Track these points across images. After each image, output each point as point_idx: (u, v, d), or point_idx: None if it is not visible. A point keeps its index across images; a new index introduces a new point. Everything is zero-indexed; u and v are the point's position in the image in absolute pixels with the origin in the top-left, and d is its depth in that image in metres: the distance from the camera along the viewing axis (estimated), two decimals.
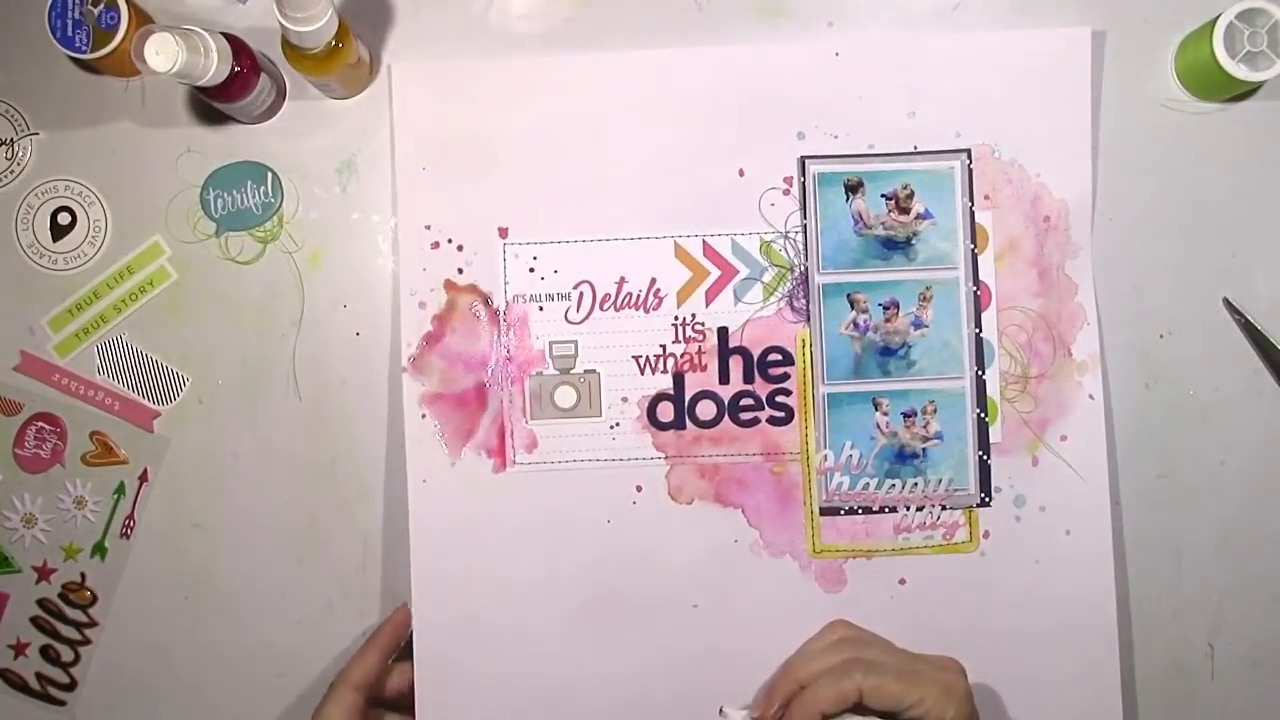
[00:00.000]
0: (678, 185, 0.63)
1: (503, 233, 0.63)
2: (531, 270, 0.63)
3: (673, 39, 0.64)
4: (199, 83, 0.57)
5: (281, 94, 0.65)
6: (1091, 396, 0.62)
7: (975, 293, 0.62)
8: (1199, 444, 0.63)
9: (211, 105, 0.62)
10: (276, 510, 0.64)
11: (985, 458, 0.62)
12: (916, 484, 0.62)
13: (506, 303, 0.63)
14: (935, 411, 0.62)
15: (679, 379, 0.63)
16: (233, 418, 0.64)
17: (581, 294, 0.63)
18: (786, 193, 0.63)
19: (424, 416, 0.63)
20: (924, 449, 0.62)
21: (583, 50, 0.64)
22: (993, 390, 0.62)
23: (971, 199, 0.62)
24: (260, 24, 0.64)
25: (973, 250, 0.62)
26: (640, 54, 0.63)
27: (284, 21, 0.55)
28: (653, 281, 0.63)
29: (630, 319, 0.63)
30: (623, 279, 0.63)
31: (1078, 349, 0.62)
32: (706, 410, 0.63)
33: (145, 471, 0.64)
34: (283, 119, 0.65)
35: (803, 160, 0.63)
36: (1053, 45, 0.62)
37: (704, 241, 0.63)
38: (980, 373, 0.62)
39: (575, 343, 0.63)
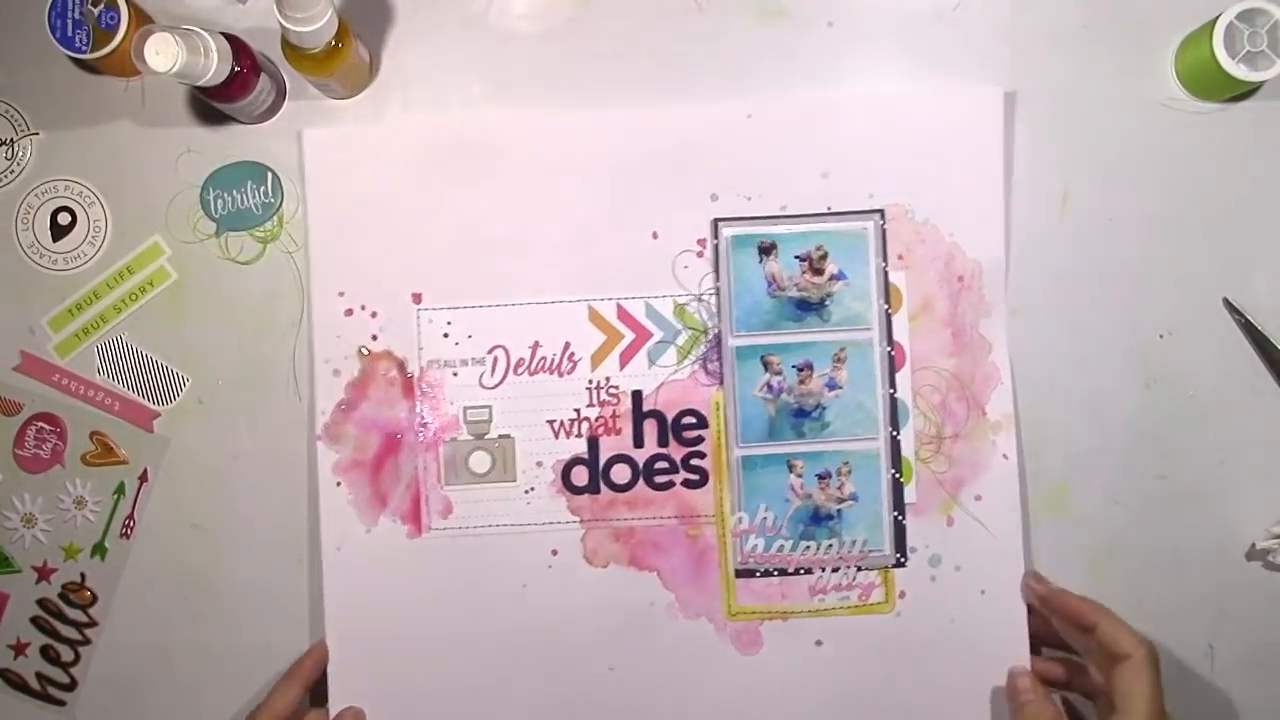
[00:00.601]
0: (591, 249, 0.63)
1: (416, 298, 0.63)
2: (446, 335, 0.63)
3: (673, 39, 0.64)
4: (199, 83, 0.57)
5: (281, 94, 0.65)
6: (1005, 456, 0.62)
7: (889, 353, 0.62)
8: (1199, 444, 0.63)
9: (211, 105, 0.62)
10: (276, 510, 0.64)
11: (900, 518, 0.62)
12: (831, 545, 0.62)
13: (421, 368, 0.63)
14: (850, 472, 0.62)
15: (593, 443, 0.63)
16: (233, 418, 0.64)
17: (496, 358, 0.63)
18: (700, 255, 0.63)
19: (338, 484, 0.63)
20: (839, 510, 0.62)
21: (581, 52, 0.64)
22: (907, 451, 0.62)
23: (885, 259, 0.63)
24: (260, 24, 0.64)
25: (887, 311, 0.62)
26: (552, 116, 0.64)
27: (284, 21, 0.55)
28: (567, 345, 0.63)
29: (545, 383, 0.63)
30: (537, 343, 0.63)
31: (992, 409, 0.62)
32: (621, 474, 0.63)
33: (145, 471, 0.64)
34: (283, 119, 0.65)
35: (716, 222, 0.63)
36: (964, 105, 0.63)
37: (618, 305, 0.63)
38: (895, 433, 0.62)
39: (490, 408, 0.63)
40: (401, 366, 0.63)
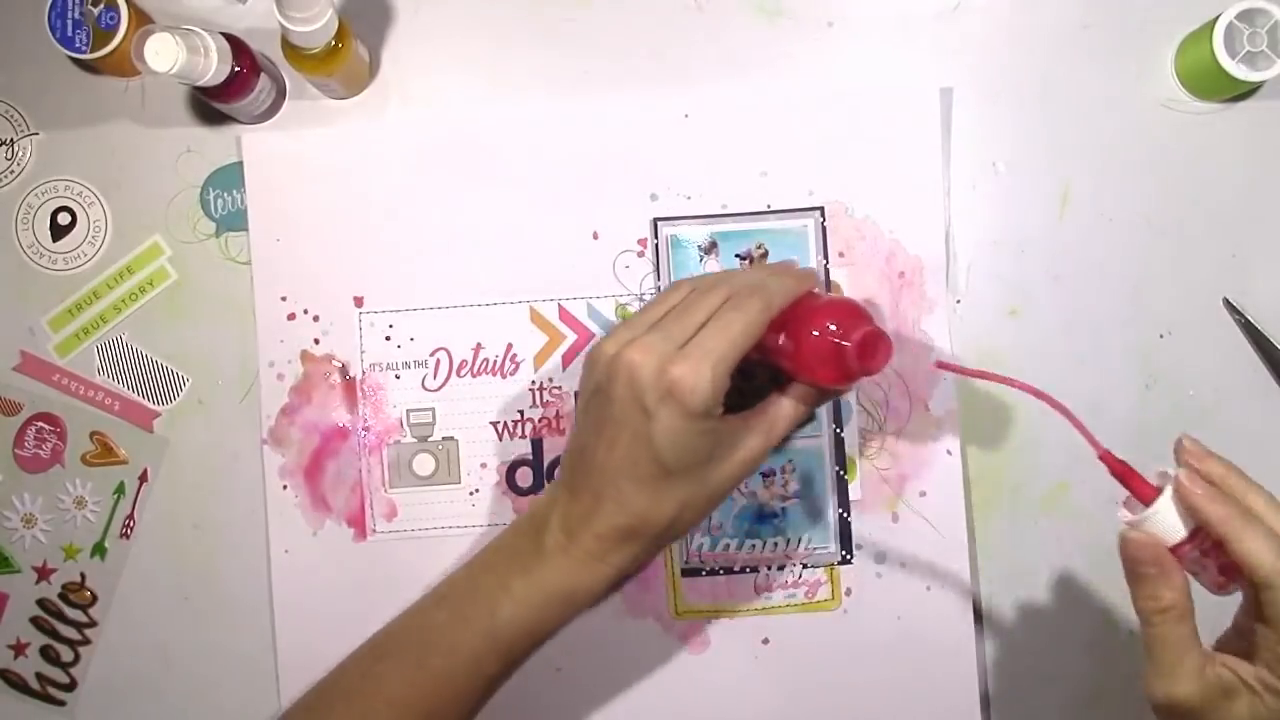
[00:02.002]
0: (532, 250, 0.63)
1: (358, 301, 0.63)
2: (388, 339, 0.63)
3: (673, 39, 0.64)
4: (199, 83, 0.57)
5: (281, 94, 0.65)
6: (949, 452, 0.62)
7: None
8: None
9: (211, 105, 0.62)
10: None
11: (845, 515, 0.62)
12: (777, 543, 0.62)
13: (363, 372, 0.63)
14: (794, 470, 0.62)
15: (538, 444, 0.63)
16: (233, 418, 0.64)
17: (438, 361, 0.63)
18: (640, 255, 0.63)
19: (285, 488, 0.63)
20: (783, 508, 0.62)
21: (581, 53, 0.64)
22: (851, 448, 0.62)
23: (826, 257, 0.63)
24: (260, 24, 0.64)
25: None
26: (491, 117, 0.64)
27: (284, 21, 0.55)
28: (509, 347, 0.63)
29: (487, 385, 0.63)
30: (479, 345, 0.63)
31: (934, 405, 0.62)
32: None
33: (145, 471, 0.64)
34: (283, 119, 0.65)
35: (655, 222, 0.63)
36: (901, 102, 0.63)
37: (559, 305, 0.63)
38: (839, 430, 0.62)
39: (433, 410, 0.63)
40: (344, 370, 0.63)
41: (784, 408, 0.51)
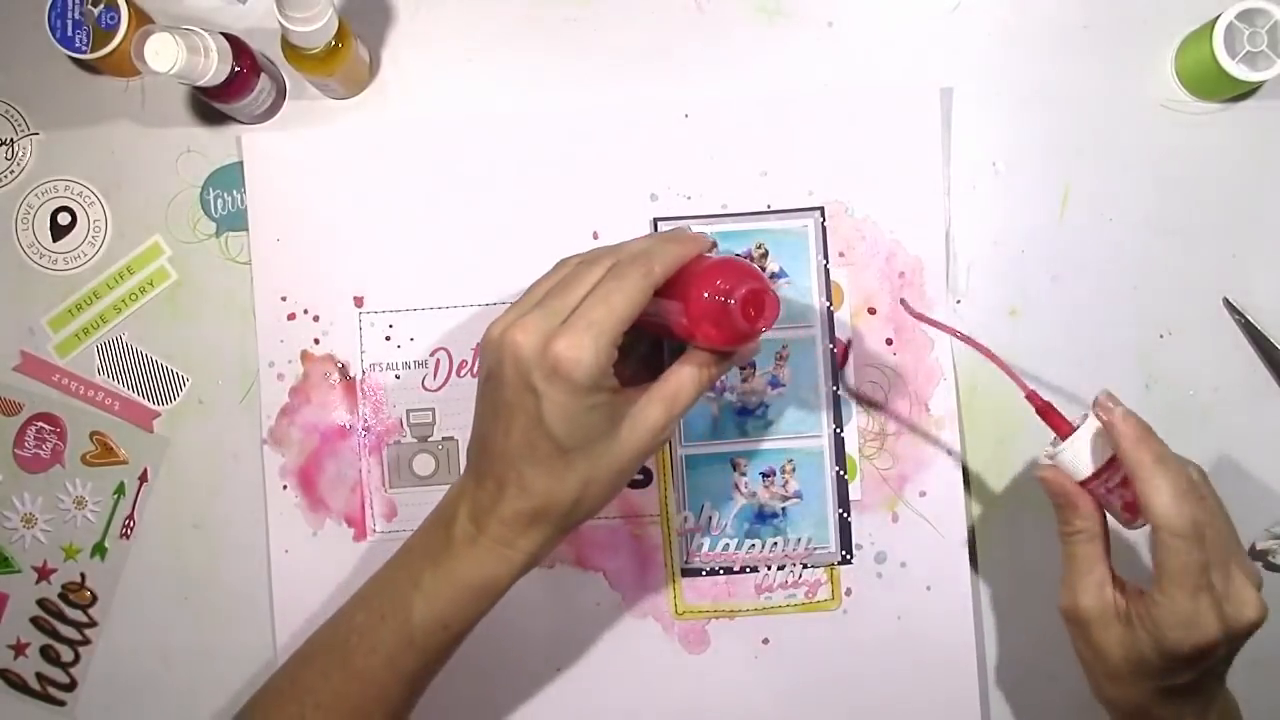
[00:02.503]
0: (532, 249, 0.63)
1: (358, 301, 0.63)
2: (387, 339, 0.63)
3: (673, 39, 0.64)
4: (199, 83, 0.57)
5: (281, 94, 0.65)
6: (950, 452, 0.62)
7: (832, 350, 0.62)
8: (1199, 444, 0.63)
9: (211, 105, 0.62)
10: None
11: (845, 515, 0.62)
12: (777, 543, 0.62)
13: (363, 372, 0.63)
14: (794, 470, 0.62)
15: None
16: (233, 418, 0.64)
17: (438, 361, 0.63)
18: None
19: (285, 488, 0.63)
20: (783, 508, 0.62)
21: (581, 53, 0.64)
22: (851, 448, 0.63)
23: (826, 257, 0.63)
24: (260, 24, 0.64)
25: (828, 308, 0.63)
26: (491, 117, 0.64)
27: (284, 21, 0.55)
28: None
29: None
30: (479, 345, 0.63)
31: (934, 405, 0.62)
32: None
33: (145, 471, 0.64)
34: (283, 119, 0.65)
35: (655, 222, 0.63)
36: (901, 102, 0.63)
37: None
38: (839, 430, 0.62)
39: (433, 410, 0.63)
40: (344, 370, 0.63)
41: (684, 375, 0.49)
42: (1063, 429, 0.51)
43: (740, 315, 0.46)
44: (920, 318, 0.56)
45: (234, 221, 0.64)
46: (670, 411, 0.48)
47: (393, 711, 0.51)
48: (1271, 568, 0.62)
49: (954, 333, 0.55)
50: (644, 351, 0.54)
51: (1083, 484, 0.51)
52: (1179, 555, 0.46)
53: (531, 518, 0.48)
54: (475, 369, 0.63)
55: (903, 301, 0.57)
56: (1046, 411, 0.52)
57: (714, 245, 0.51)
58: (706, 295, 0.47)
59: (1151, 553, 0.48)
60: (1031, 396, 0.52)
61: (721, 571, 0.63)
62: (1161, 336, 0.63)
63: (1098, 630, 0.50)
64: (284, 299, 0.64)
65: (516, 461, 0.47)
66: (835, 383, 0.63)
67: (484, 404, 0.48)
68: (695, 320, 0.47)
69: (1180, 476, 0.48)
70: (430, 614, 0.49)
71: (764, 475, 0.62)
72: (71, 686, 0.64)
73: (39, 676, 0.64)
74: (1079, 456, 0.50)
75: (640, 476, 0.63)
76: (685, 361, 0.49)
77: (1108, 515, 0.51)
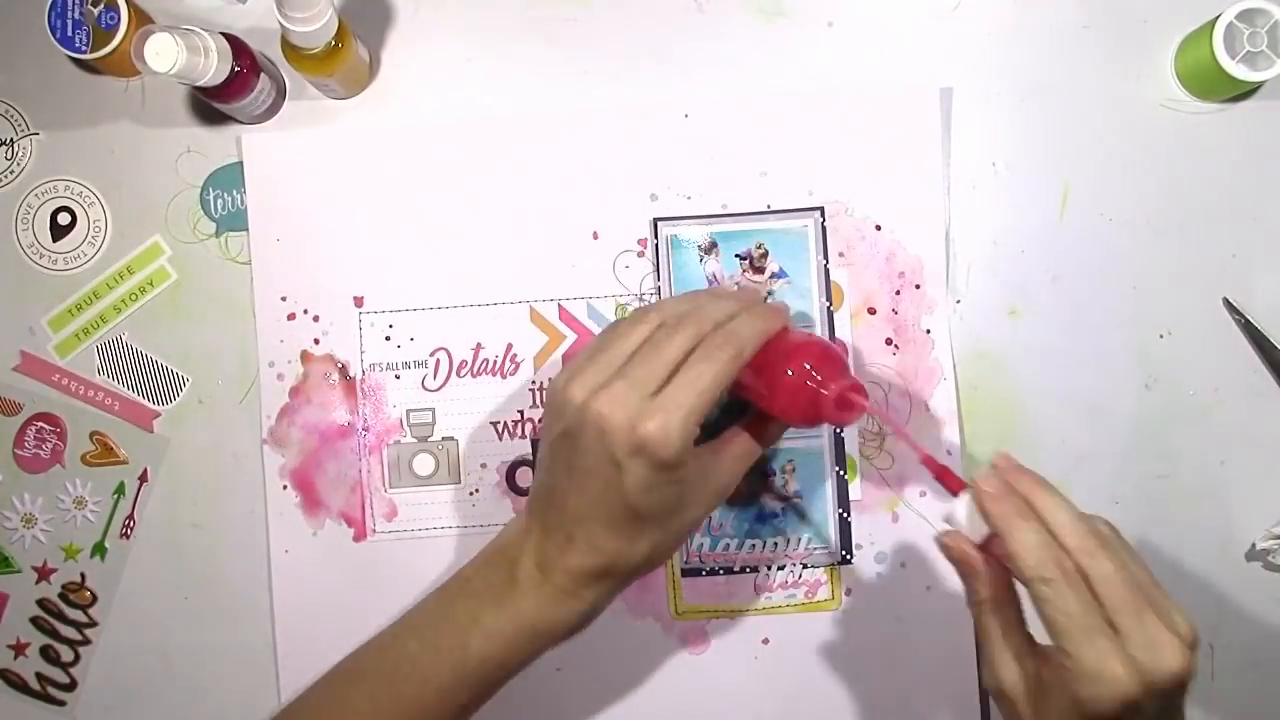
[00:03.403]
0: (532, 249, 0.63)
1: (358, 301, 0.63)
2: (387, 339, 0.63)
3: (673, 39, 0.64)
4: (199, 83, 0.57)
5: (281, 94, 0.65)
6: (949, 452, 0.62)
7: None
8: (1199, 444, 0.63)
9: (211, 105, 0.62)
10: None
11: (845, 515, 0.62)
12: (777, 543, 0.62)
13: (363, 372, 0.63)
14: (794, 470, 0.62)
15: (537, 444, 0.62)
16: (233, 418, 0.64)
17: (438, 361, 0.63)
18: (640, 255, 0.63)
19: (285, 488, 0.63)
20: (784, 508, 0.62)
21: (581, 53, 0.64)
22: (851, 448, 0.62)
23: (826, 257, 0.63)
24: (260, 24, 0.64)
25: (828, 308, 0.63)
26: (491, 117, 0.64)
27: (284, 21, 0.55)
28: (509, 347, 0.63)
29: (487, 385, 0.63)
30: (479, 345, 0.63)
31: (935, 405, 0.62)
32: None
33: (145, 471, 0.64)
34: (283, 119, 0.65)
35: (656, 222, 0.63)
36: (901, 102, 0.63)
37: (559, 305, 0.63)
38: (839, 430, 0.62)
39: (433, 410, 0.63)
40: (344, 370, 0.63)
41: (750, 441, 0.51)
42: (957, 489, 0.49)
43: (833, 409, 0.48)
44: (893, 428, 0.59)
45: (234, 221, 0.64)
46: (736, 473, 0.50)
47: None
48: (1272, 568, 0.62)
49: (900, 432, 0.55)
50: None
51: (983, 546, 0.47)
52: (1056, 604, 0.42)
53: (599, 574, 0.48)
54: (475, 370, 0.63)
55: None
56: (942, 474, 0.49)
57: (790, 316, 0.52)
58: (792, 374, 0.48)
59: (1039, 614, 0.44)
60: (927, 461, 0.50)
61: (721, 571, 0.63)
62: (1161, 336, 0.63)
63: (1024, 706, 0.45)
64: (284, 299, 0.64)
65: (589, 522, 0.47)
66: None
67: (556, 460, 0.48)
68: (780, 399, 0.49)
69: (1042, 527, 0.44)
70: (488, 652, 0.49)
71: (764, 475, 0.62)
72: (71, 686, 0.64)
73: (39, 676, 0.64)
74: (975, 517, 0.47)
75: None
76: (752, 426, 0.51)
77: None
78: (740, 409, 0.53)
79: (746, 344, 0.48)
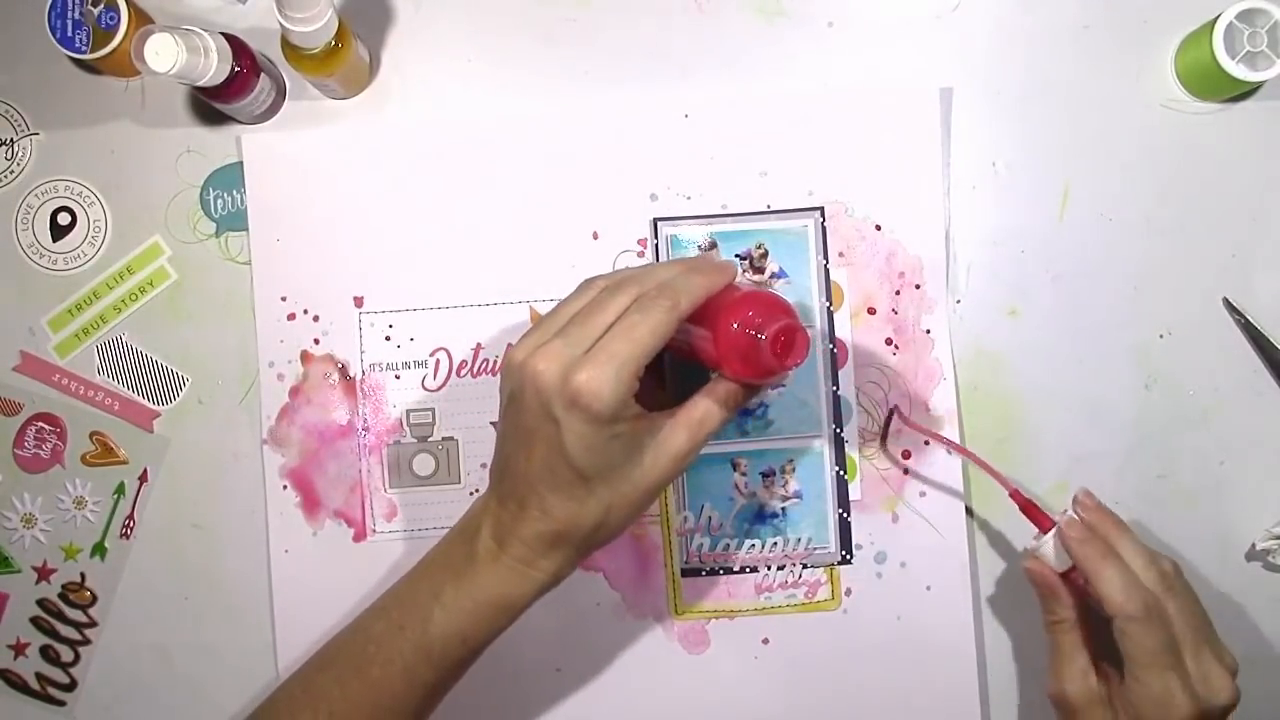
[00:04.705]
0: (532, 249, 0.63)
1: (358, 302, 0.63)
2: (387, 339, 0.63)
3: (673, 39, 0.64)
4: (199, 83, 0.57)
5: (281, 94, 0.65)
6: (949, 452, 0.62)
7: (832, 350, 0.63)
8: (1199, 444, 0.63)
9: (211, 105, 0.62)
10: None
11: (845, 515, 0.62)
12: (776, 543, 0.62)
13: (363, 372, 0.63)
14: (794, 470, 0.62)
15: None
16: (233, 418, 0.64)
17: (438, 361, 0.63)
18: (641, 255, 0.63)
19: (285, 488, 0.63)
20: (783, 508, 0.62)
21: (581, 53, 0.64)
22: (851, 448, 0.63)
23: (826, 257, 0.63)
24: (260, 24, 0.64)
25: (828, 308, 0.63)
26: (491, 117, 0.64)
27: (284, 21, 0.55)
28: (509, 347, 0.63)
29: (487, 385, 0.63)
30: (479, 345, 0.63)
31: (934, 405, 0.62)
32: None
33: (145, 471, 0.64)
34: (283, 119, 0.65)
35: (655, 222, 0.63)
36: (900, 103, 0.63)
37: None
38: (839, 430, 0.62)
39: (433, 410, 0.63)
40: (344, 370, 0.64)
41: (710, 403, 0.49)
42: (1044, 524, 0.55)
43: (770, 352, 0.46)
44: (917, 429, 0.61)
45: (234, 221, 0.64)
46: (694, 439, 0.49)
47: None
48: (1272, 568, 0.62)
49: (947, 442, 0.60)
50: (670, 371, 0.54)
51: (1064, 575, 0.55)
52: (1137, 639, 0.50)
53: (553, 540, 0.48)
54: (475, 370, 0.63)
55: (896, 410, 0.61)
56: (1029, 508, 0.56)
57: (739, 273, 0.51)
58: (735, 326, 0.47)
59: (1118, 643, 0.51)
60: (1015, 495, 0.56)
61: (721, 571, 0.63)
62: (1161, 336, 0.63)
63: (1082, 716, 0.53)
64: (284, 299, 0.64)
65: (538, 485, 0.47)
66: (835, 383, 0.63)
67: (506, 426, 0.49)
68: (723, 352, 0.48)
69: (1125, 568, 0.52)
70: (449, 627, 0.49)
71: (764, 475, 0.62)
72: (71, 686, 0.64)
73: (39, 676, 0.64)
74: (1060, 549, 0.54)
75: None
76: (711, 390, 0.49)
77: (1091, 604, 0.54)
78: (704, 378, 0.52)
79: (683, 296, 0.47)
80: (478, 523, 0.50)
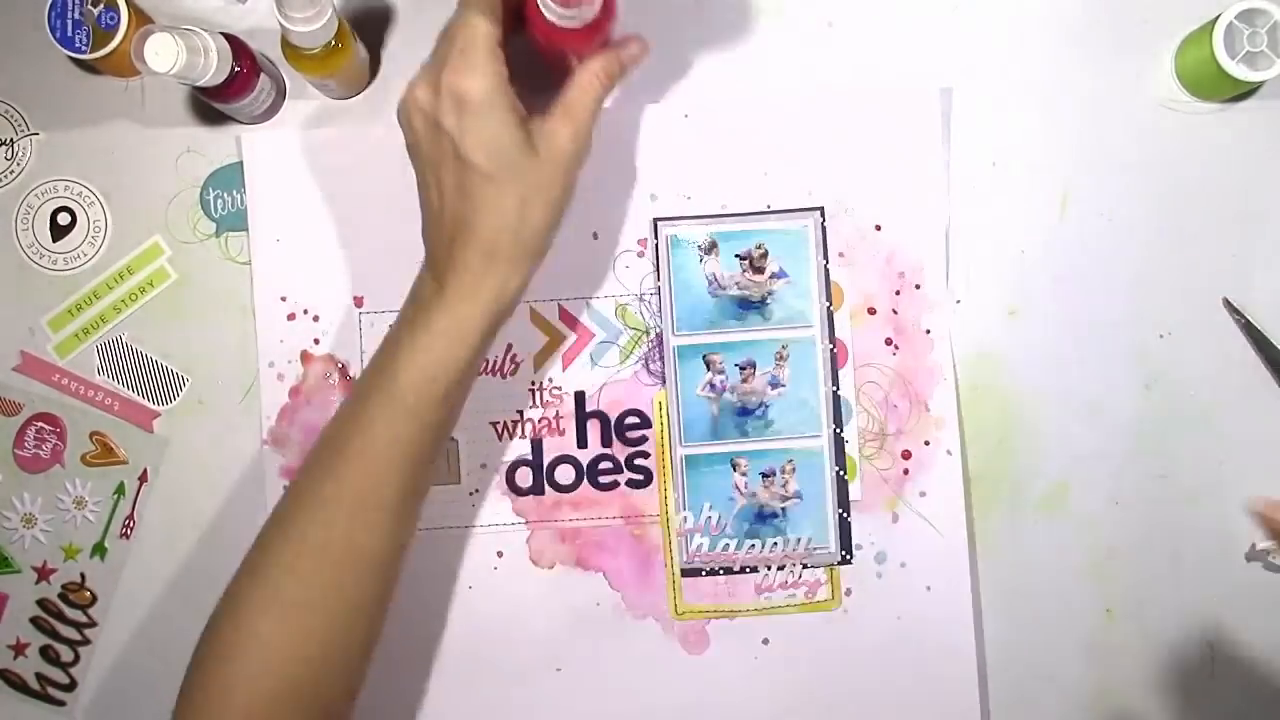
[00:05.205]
0: None
1: (358, 301, 0.63)
2: None
3: (673, 39, 0.64)
4: (199, 83, 0.57)
5: (281, 94, 0.65)
6: (949, 452, 0.62)
7: (832, 351, 0.63)
8: (1199, 444, 0.63)
9: (211, 105, 0.62)
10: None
11: (845, 515, 0.62)
12: (776, 543, 0.62)
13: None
14: (794, 470, 0.62)
15: (537, 444, 0.63)
16: (233, 418, 0.64)
17: None
18: (641, 255, 0.63)
19: (285, 488, 0.63)
20: (783, 508, 0.62)
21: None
22: (851, 448, 0.63)
23: (826, 257, 0.63)
24: (260, 24, 0.64)
25: (828, 308, 0.63)
26: None
27: (284, 21, 0.55)
28: (509, 347, 0.63)
29: (487, 385, 0.63)
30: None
31: (934, 405, 0.62)
32: (565, 474, 0.63)
33: (145, 471, 0.64)
34: (282, 119, 0.65)
35: (656, 222, 0.63)
36: (900, 103, 0.63)
37: (559, 306, 0.63)
38: (838, 431, 0.63)
39: None
40: (344, 370, 0.63)
41: (579, 85, 0.51)
42: None
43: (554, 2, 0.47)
44: None
45: (234, 221, 0.64)
46: (574, 121, 0.50)
47: (400, 494, 0.51)
48: (1272, 568, 0.62)
49: None
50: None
51: None
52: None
53: (486, 258, 0.49)
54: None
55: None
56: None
57: None
58: None
59: None
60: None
61: (721, 571, 0.63)
62: (1161, 336, 0.63)
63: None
64: (284, 299, 0.64)
65: (453, 208, 0.49)
66: (835, 383, 0.63)
67: (418, 179, 0.51)
68: (536, 21, 0.48)
69: None
70: (415, 372, 0.50)
71: (764, 475, 0.62)
72: (71, 686, 0.64)
73: (39, 677, 0.64)
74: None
75: (640, 477, 0.63)
76: (578, 73, 0.51)
77: None
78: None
79: None
80: (419, 283, 0.52)
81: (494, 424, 0.63)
